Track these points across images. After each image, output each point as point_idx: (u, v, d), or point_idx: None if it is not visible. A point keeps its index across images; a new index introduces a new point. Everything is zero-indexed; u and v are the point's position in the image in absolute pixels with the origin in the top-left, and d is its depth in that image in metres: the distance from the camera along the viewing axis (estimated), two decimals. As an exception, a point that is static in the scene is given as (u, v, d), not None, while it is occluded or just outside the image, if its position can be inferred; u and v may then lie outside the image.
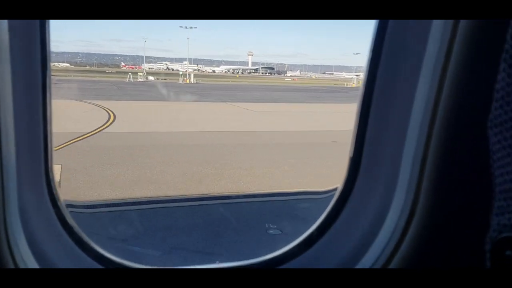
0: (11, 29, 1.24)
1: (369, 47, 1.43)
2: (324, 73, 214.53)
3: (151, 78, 66.44)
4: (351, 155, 1.54)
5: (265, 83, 73.61)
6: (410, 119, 1.38)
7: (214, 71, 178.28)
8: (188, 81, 62.96)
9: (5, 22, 1.23)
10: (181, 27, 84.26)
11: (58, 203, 1.48)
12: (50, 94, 1.36)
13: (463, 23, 1.18)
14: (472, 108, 1.13)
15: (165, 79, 66.91)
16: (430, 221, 1.30)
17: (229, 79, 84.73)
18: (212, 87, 52.49)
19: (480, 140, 0.94)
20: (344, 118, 23.87)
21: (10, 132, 1.28)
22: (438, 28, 1.27)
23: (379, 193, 1.50)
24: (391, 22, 1.37)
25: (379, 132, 1.48)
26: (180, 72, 74.51)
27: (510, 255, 0.87)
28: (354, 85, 73.01)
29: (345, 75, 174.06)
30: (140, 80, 59.89)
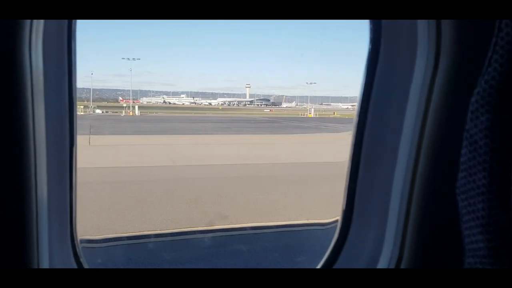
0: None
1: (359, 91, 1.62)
2: (321, 104, 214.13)
3: (98, 111, 65.86)
4: (344, 207, 1.71)
5: (227, 115, 71.82)
6: (395, 173, 1.57)
7: (210, 104, 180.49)
8: (131, 113, 61.90)
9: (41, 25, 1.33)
10: (123, 58, 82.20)
11: (81, 260, 1.63)
12: (76, 166, 1.55)
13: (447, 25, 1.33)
14: (449, 160, 1.28)
15: (116, 112, 66.03)
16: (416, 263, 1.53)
17: (194, 111, 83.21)
18: (137, 120, 50.82)
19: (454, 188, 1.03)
20: (164, 150, 22.33)
21: (45, 196, 1.44)
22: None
23: (371, 239, 1.67)
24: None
25: (369, 183, 1.65)
26: (124, 105, 73.58)
27: None
28: (310, 115, 70.71)
29: (341, 105, 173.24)
30: (80, 113, 58.91)
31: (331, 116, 75.58)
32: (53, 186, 1.48)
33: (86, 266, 1.66)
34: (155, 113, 70.23)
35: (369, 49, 1.55)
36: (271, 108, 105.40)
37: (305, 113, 75.69)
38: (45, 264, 1.49)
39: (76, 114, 1.52)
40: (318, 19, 1.42)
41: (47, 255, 1.49)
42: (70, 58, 1.44)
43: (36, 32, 1.32)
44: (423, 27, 1.42)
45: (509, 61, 0.89)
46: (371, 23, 1.53)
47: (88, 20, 1.36)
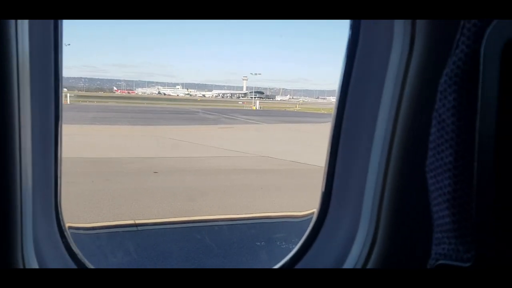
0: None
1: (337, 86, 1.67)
2: (317, 97, 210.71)
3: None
4: (323, 189, 1.75)
5: (180, 106, 69.97)
6: (371, 156, 1.60)
7: (204, 96, 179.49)
8: (65, 101, 60.89)
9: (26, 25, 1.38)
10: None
11: (65, 233, 1.68)
12: (61, 141, 1.60)
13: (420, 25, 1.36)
14: (420, 152, 1.28)
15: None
16: (390, 246, 1.55)
17: (147, 101, 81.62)
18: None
19: (426, 177, 1.09)
20: None
21: (29, 172, 1.47)
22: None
23: (348, 220, 1.70)
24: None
25: (346, 167, 1.70)
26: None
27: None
28: (254, 108, 68.23)
29: (332, 99, 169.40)
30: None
31: (287, 109, 72.90)
32: (38, 162, 1.52)
33: (75, 248, 1.67)
34: (93, 102, 68.93)
35: (347, 45, 1.62)
36: (243, 101, 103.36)
37: (250, 106, 73.10)
38: (29, 244, 1.48)
39: (62, 92, 1.57)
40: (309, 19, 1.46)
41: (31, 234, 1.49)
42: (56, 49, 1.49)
43: (22, 26, 1.35)
44: (398, 23, 1.46)
45: (475, 43, 0.93)
46: (350, 22, 1.59)
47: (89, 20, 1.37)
